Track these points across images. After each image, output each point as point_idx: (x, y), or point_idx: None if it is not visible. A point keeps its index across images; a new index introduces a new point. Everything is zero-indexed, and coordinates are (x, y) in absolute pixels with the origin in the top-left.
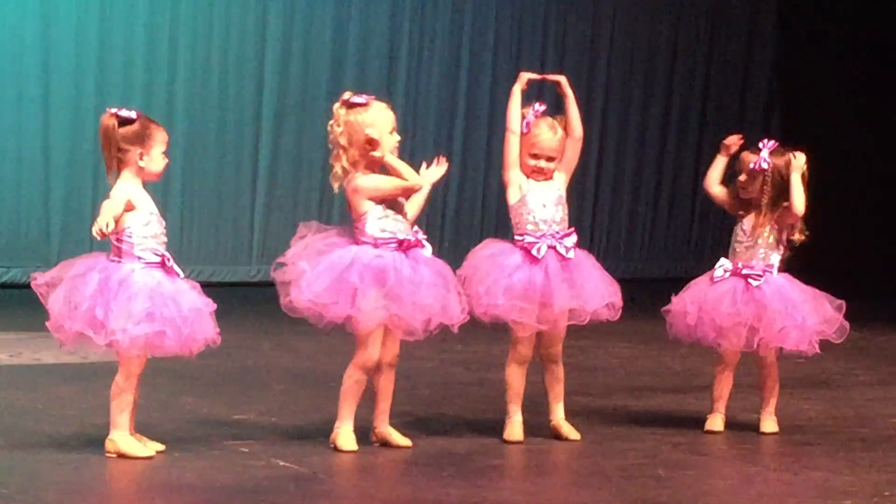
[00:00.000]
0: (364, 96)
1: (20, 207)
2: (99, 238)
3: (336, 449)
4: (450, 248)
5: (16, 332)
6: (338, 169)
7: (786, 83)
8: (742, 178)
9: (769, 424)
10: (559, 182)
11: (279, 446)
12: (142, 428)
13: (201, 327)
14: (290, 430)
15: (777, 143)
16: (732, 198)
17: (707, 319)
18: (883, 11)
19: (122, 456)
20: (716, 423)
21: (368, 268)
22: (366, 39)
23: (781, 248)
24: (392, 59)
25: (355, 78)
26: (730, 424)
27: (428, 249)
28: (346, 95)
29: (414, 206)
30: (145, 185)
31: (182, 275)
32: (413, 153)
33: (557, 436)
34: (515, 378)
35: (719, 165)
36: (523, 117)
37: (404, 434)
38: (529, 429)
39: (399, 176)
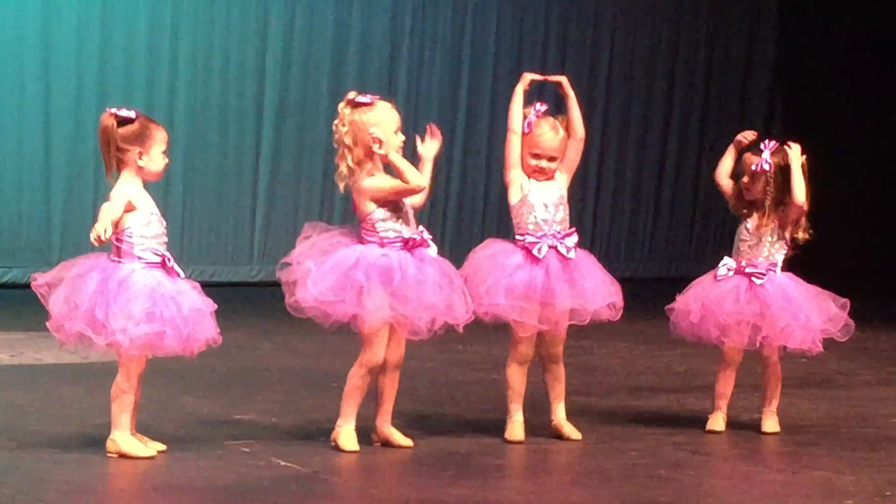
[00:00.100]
0: (369, 96)
1: (21, 207)
2: (96, 244)
3: (337, 448)
4: (451, 247)
5: (17, 332)
6: (343, 168)
7: (786, 83)
8: (745, 179)
9: (770, 424)
10: (560, 182)
11: (280, 446)
12: (143, 428)
13: (202, 327)
14: (291, 430)
15: (777, 144)
16: (736, 198)
17: (711, 317)
18: (884, 11)
19: (123, 456)
20: (717, 422)
21: (374, 266)
22: (367, 39)
23: (785, 246)
24: (393, 60)
25: (356, 78)
26: (731, 424)
27: (433, 249)
28: (352, 95)
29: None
30: (146, 184)
31: (183, 275)
32: (414, 153)
33: (559, 435)
34: (516, 378)
35: (730, 158)
36: (525, 117)
37: (406, 434)
38: (530, 429)
39: (401, 176)
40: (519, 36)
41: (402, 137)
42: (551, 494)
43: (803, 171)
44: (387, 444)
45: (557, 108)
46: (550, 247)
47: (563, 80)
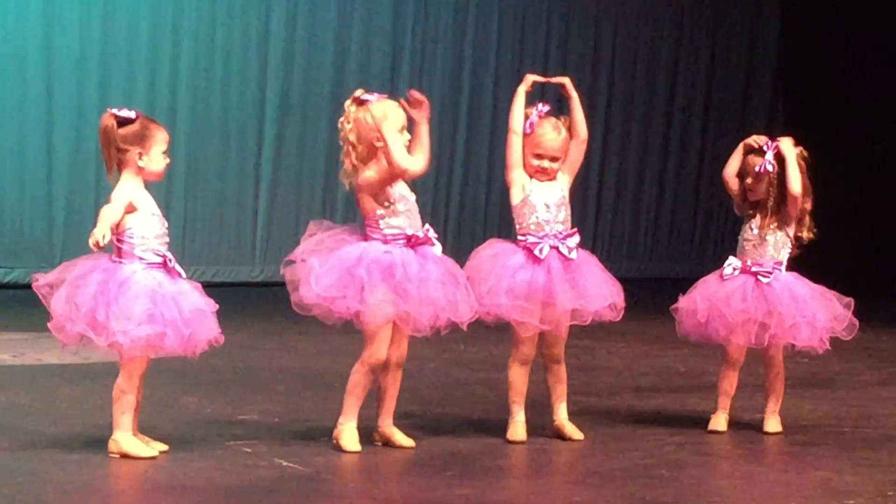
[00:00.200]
0: (376, 94)
1: (23, 208)
2: (95, 250)
3: (338, 447)
4: (453, 247)
5: (19, 332)
6: (347, 165)
7: (788, 83)
8: (749, 180)
9: (772, 424)
10: (562, 183)
11: (282, 446)
12: (145, 428)
13: (203, 328)
14: (293, 430)
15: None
16: (741, 198)
17: (717, 316)
18: (885, 12)
19: (125, 456)
20: (719, 422)
21: (376, 263)
22: (369, 40)
23: (790, 245)
24: (395, 60)
25: (358, 78)
26: (733, 424)
27: (438, 248)
28: (358, 92)
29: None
30: (147, 184)
31: (184, 275)
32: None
33: (560, 436)
34: (518, 378)
35: (737, 159)
36: (527, 117)
37: (407, 434)
38: (532, 429)
39: (387, 155)
40: (520, 36)
41: (408, 136)
42: (553, 494)
43: (801, 163)
44: (388, 443)
45: (560, 108)
46: (552, 247)
47: (566, 81)
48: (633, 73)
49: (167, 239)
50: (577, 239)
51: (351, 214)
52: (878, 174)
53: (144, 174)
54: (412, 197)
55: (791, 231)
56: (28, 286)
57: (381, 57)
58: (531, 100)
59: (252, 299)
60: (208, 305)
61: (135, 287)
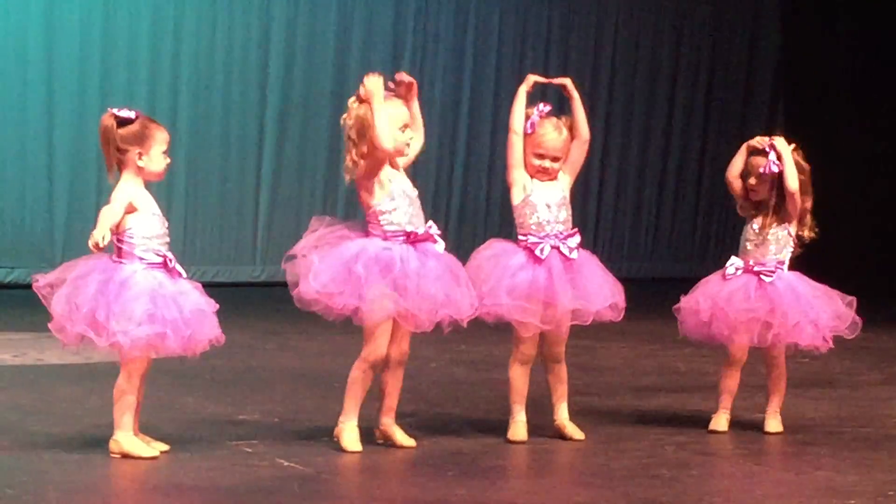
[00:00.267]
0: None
1: (24, 208)
2: (94, 251)
3: (339, 444)
4: (453, 247)
5: (20, 332)
6: (348, 161)
7: (789, 84)
8: (752, 181)
9: (773, 424)
10: (563, 183)
11: (283, 446)
12: (146, 428)
13: (203, 328)
14: (294, 430)
15: None
16: (743, 199)
17: (721, 316)
18: (886, 12)
19: (126, 456)
20: (720, 422)
21: (374, 259)
22: (370, 39)
23: (792, 245)
24: (396, 59)
25: (359, 78)
26: (734, 424)
27: (440, 245)
28: (363, 90)
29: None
30: (148, 184)
31: (185, 275)
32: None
33: (561, 436)
34: (519, 378)
35: (740, 159)
36: (528, 117)
37: (408, 434)
38: (533, 429)
39: (371, 131)
40: (521, 35)
41: (410, 135)
42: (554, 494)
43: (799, 162)
44: (389, 442)
45: (561, 109)
46: (553, 247)
47: (568, 82)
48: (634, 73)
49: (168, 239)
50: (577, 239)
51: (352, 214)
52: (879, 174)
53: (144, 174)
54: (414, 192)
55: (793, 230)
56: (29, 286)
57: (382, 56)
58: (532, 100)
59: (253, 299)
60: (209, 305)
61: (135, 287)
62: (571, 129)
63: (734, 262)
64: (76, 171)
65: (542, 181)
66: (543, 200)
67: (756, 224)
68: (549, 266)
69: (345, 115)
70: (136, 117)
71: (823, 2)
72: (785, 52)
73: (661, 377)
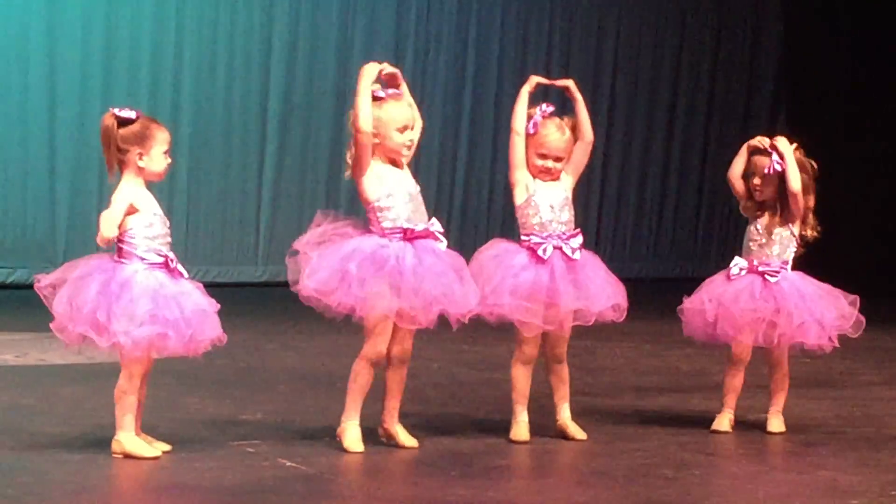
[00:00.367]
0: (385, 91)
1: (26, 208)
2: (104, 246)
3: (341, 444)
4: (455, 247)
5: (22, 332)
6: (349, 157)
7: (791, 84)
8: (756, 181)
9: (776, 424)
10: (566, 183)
11: (285, 446)
12: (148, 428)
13: (204, 328)
14: (296, 430)
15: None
16: (747, 199)
17: (726, 316)
18: (887, 13)
19: (128, 456)
20: (723, 423)
21: (368, 257)
22: (371, 39)
23: (795, 244)
24: (398, 59)
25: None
26: (736, 424)
27: (443, 243)
28: (374, 86)
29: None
30: (149, 185)
31: (187, 275)
32: (419, 152)
33: (564, 436)
34: (521, 378)
35: (742, 159)
36: (530, 118)
37: (411, 434)
38: (535, 429)
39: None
40: (523, 35)
41: (410, 136)
42: (556, 494)
43: (800, 161)
44: (392, 441)
45: (563, 109)
46: (555, 247)
47: (570, 83)
48: (636, 73)
49: (169, 239)
50: (580, 239)
51: (354, 214)
52: (881, 174)
53: (145, 174)
54: (416, 190)
55: (796, 230)
56: (31, 286)
57: (384, 56)
58: (534, 101)
59: (255, 299)
60: (210, 305)
61: (136, 288)
62: (575, 131)
63: (738, 263)
64: (78, 171)
65: (545, 181)
66: (546, 201)
67: (760, 224)
68: (551, 266)
69: (350, 111)
70: (137, 117)
71: (825, 2)
72: (787, 53)
73: (663, 377)
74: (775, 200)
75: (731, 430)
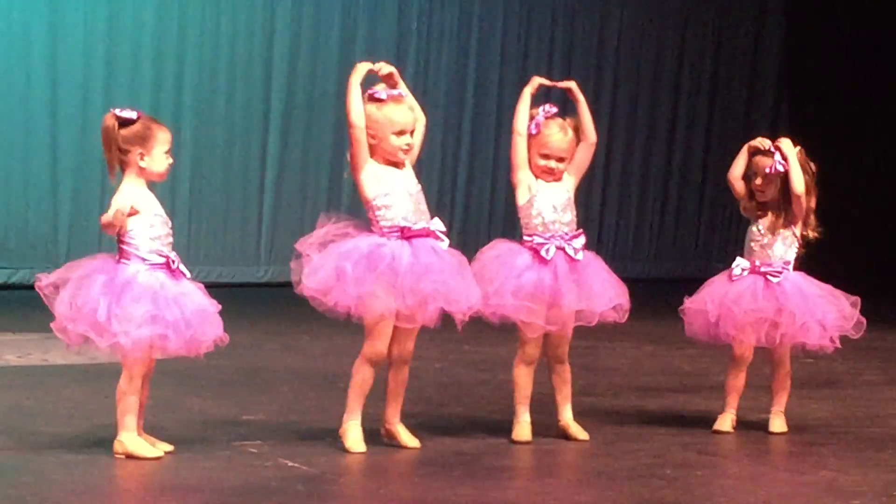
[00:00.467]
0: (387, 93)
1: (28, 209)
2: (117, 223)
3: (343, 445)
4: (458, 247)
5: (24, 332)
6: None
7: (792, 85)
8: (758, 181)
9: (778, 424)
10: (568, 184)
11: (287, 447)
12: (150, 429)
13: (205, 328)
14: (298, 430)
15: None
16: (748, 199)
17: (728, 316)
18: (889, 13)
19: (130, 457)
20: (725, 423)
21: (364, 256)
22: (373, 39)
23: (796, 245)
24: (400, 59)
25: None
26: (738, 424)
27: (444, 242)
28: (377, 87)
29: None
30: (151, 184)
31: (189, 275)
32: (421, 151)
33: (566, 436)
34: (523, 378)
35: (742, 160)
36: (532, 118)
37: (413, 434)
38: (537, 429)
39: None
40: (525, 35)
41: (408, 140)
42: (558, 495)
43: (801, 162)
44: (394, 442)
45: (565, 110)
46: (558, 248)
47: (573, 85)
48: (638, 74)
49: (171, 239)
50: (583, 240)
51: (355, 214)
52: (882, 175)
53: (147, 175)
54: (415, 188)
55: (797, 231)
56: (33, 286)
57: (386, 55)
58: (536, 102)
59: (257, 300)
60: (212, 305)
61: (137, 288)
62: (577, 132)
63: (740, 263)
64: (80, 171)
65: (548, 182)
66: (549, 201)
67: (761, 225)
68: (554, 267)
69: None
70: (138, 117)
71: (826, 3)
72: (788, 54)
73: (665, 377)
74: (777, 201)
75: (732, 431)
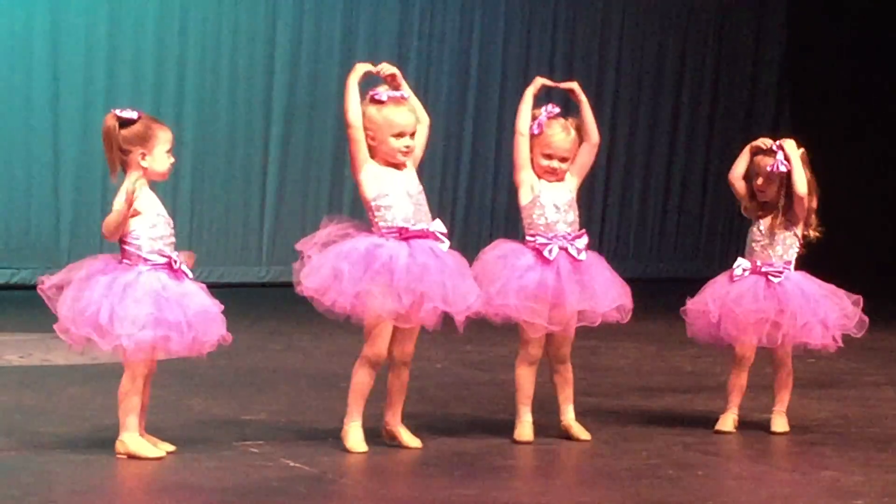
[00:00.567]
0: (388, 94)
1: (30, 209)
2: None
3: (345, 446)
4: (458, 247)
5: (26, 333)
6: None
7: (794, 85)
8: (759, 181)
9: (780, 424)
10: (571, 184)
11: (289, 447)
12: (152, 429)
13: (208, 329)
14: (300, 430)
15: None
16: (749, 199)
17: (730, 317)
18: (890, 13)
19: (132, 457)
20: (726, 423)
21: (361, 256)
22: (375, 40)
23: (797, 244)
24: (401, 60)
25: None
26: (740, 424)
27: (445, 243)
28: (380, 89)
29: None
30: (153, 185)
31: (191, 276)
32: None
33: (568, 436)
34: (525, 379)
35: (744, 160)
36: (534, 118)
37: (414, 434)
38: (539, 429)
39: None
40: (527, 35)
41: (406, 142)
42: (560, 495)
43: (804, 163)
44: (395, 442)
45: (567, 111)
46: (561, 248)
47: (575, 86)
48: (640, 74)
49: (173, 240)
50: (585, 240)
51: (357, 215)
52: (882, 175)
53: (148, 175)
54: (416, 189)
55: (799, 231)
56: (34, 287)
57: (388, 56)
58: (538, 103)
59: (258, 300)
60: (214, 305)
61: (139, 290)
62: (580, 132)
63: (741, 264)
64: (82, 172)
65: (550, 182)
66: (552, 201)
67: (763, 225)
68: (557, 267)
69: None
70: (139, 117)
71: (828, 3)
72: (790, 54)
73: (667, 378)
74: (779, 202)
75: (734, 431)
